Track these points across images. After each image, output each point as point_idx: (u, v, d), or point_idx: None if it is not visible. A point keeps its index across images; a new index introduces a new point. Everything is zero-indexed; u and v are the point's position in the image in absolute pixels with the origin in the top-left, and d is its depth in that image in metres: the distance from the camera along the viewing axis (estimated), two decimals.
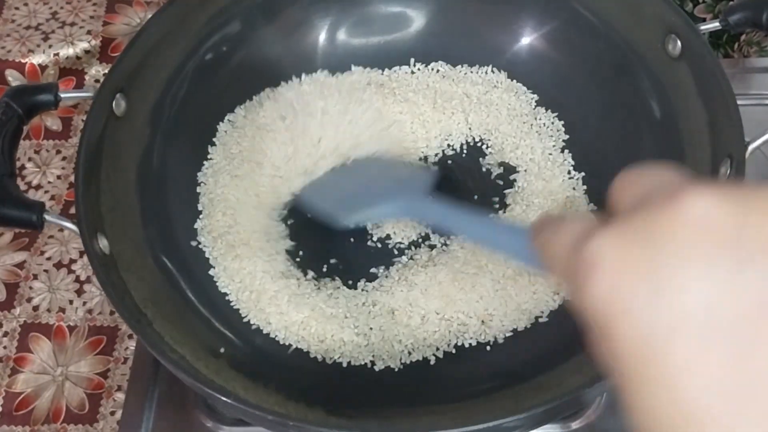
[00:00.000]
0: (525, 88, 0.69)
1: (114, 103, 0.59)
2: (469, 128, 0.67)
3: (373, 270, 0.61)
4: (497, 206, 0.64)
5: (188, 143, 0.65)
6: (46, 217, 0.51)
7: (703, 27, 0.59)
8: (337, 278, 0.61)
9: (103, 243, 0.54)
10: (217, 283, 0.60)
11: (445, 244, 0.61)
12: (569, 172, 0.65)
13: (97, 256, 0.53)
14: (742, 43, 0.79)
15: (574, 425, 0.58)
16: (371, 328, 0.58)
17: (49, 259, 0.71)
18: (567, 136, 0.66)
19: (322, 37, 0.71)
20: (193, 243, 0.62)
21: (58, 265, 0.71)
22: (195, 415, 0.60)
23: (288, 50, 0.70)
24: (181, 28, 0.64)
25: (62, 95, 0.57)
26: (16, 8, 0.83)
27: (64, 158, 0.76)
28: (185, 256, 0.61)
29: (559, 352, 0.56)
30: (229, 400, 0.49)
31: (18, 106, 0.54)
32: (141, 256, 0.58)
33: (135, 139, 0.61)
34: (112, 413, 0.65)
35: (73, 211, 0.73)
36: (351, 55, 0.71)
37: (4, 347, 0.67)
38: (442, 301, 0.58)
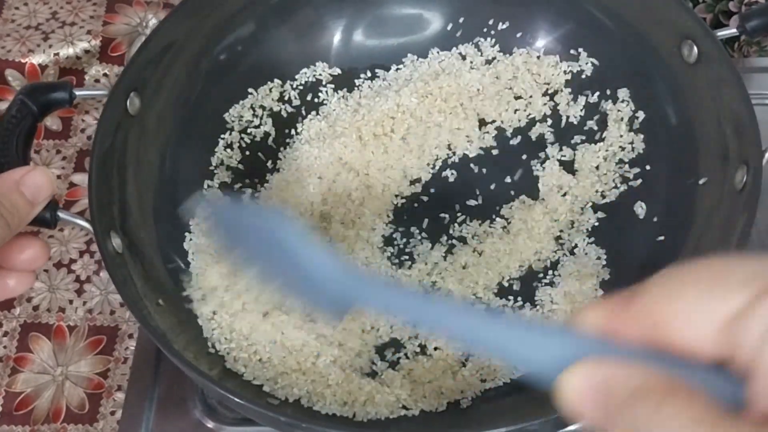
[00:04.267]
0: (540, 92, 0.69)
1: (128, 101, 0.59)
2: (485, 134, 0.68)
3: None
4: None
5: (200, 143, 0.66)
6: (60, 214, 0.51)
7: (719, 33, 0.60)
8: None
9: (116, 242, 0.54)
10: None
11: None
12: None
13: (110, 255, 0.53)
14: (742, 43, 0.79)
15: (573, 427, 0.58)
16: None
17: (49, 258, 0.70)
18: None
19: (337, 38, 0.71)
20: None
21: (58, 265, 0.71)
22: (195, 415, 0.60)
23: (302, 51, 0.70)
24: (195, 28, 0.65)
25: (77, 93, 0.57)
26: (16, 8, 0.83)
27: (64, 158, 0.76)
28: None
29: None
30: (243, 402, 0.49)
31: (33, 103, 0.54)
32: (154, 255, 0.59)
33: (148, 137, 0.61)
34: (112, 413, 0.64)
35: (73, 210, 0.73)
36: (365, 56, 0.71)
37: (4, 347, 0.67)
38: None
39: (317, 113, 0.69)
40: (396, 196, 0.65)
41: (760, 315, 0.22)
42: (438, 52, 0.70)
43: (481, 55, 0.70)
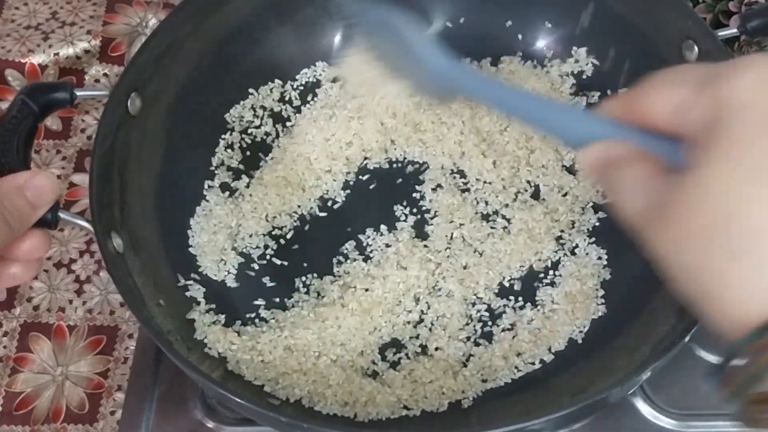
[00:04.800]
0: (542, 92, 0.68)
1: (129, 102, 0.59)
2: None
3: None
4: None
5: (201, 143, 0.66)
6: (61, 215, 0.51)
7: (720, 33, 0.60)
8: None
9: (116, 242, 0.54)
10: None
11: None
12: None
13: (111, 255, 0.53)
14: (742, 43, 0.79)
15: (576, 425, 0.58)
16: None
17: (49, 258, 0.70)
18: None
19: (338, 38, 0.71)
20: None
21: (58, 265, 0.70)
22: (195, 415, 0.60)
23: (303, 51, 0.70)
24: (195, 28, 0.65)
25: (78, 93, 0.57)
26: (16, 8, 0.83)
27: (64, 158, 0.76)
28: (198, 259, 0.62)
29: (572, 354, 0.57)
30: (245, 403, 0.49)
31: (34, 103, 0.54)
32: (155, 256, 0.59)
33: (149, 138, 0.61)
34: (112, 413, 0.64)
35: (74, 210, 0.73)
36: None
37: (4, 347, 0.67)
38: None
39: (315, 110, 0.69)
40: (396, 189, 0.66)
41: (699, 101, 0.32)
42: None
43: (483, 55, 0.70)
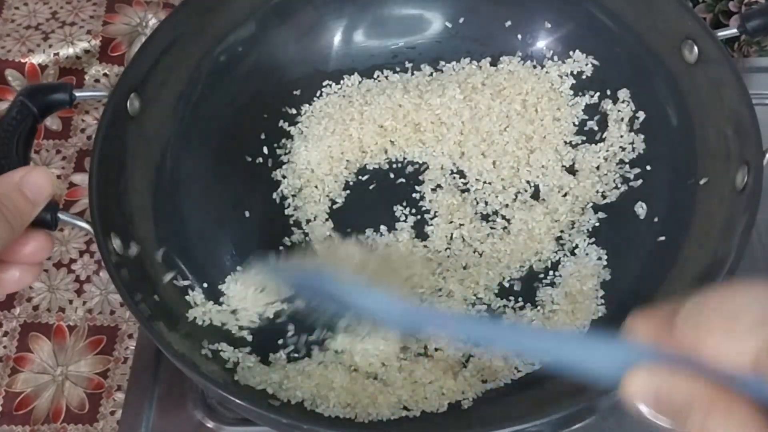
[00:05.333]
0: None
1: (128, 102, 0.59)
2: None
3: None
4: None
5: (201, 144, 0.65)
6: (60, 216, 0.51)
7: (720, 33, 0.60)
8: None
9: (116, 243, 0.54)
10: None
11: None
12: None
13: (111, 256, 0.53)
14: (742, 42, 0.79)
15: (576, 426, 0.58)
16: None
17: (48, 258, 0.70)
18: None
19: (337, 38, 0.71)
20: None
21: (58, 265, 0.70)
22: (195, 415, 0.60)
23: (302, 51, 0.70)
24: (195, 28, 0.64)
25: (77, 94, 0.56)
26: (16, 8, 0.83)
27: (64, 158, 0.76)
28: (197, 260, 0.61)
29: None
30: (245, 404, 0.49)
31: (33, 105, 0.54)
32: (153, 257, 0.58)
33: (148, 139, 0.61)
34: (112, 413, 0.64)
35: (73, 210, 0.73)
36: (366, 57, 0.71)
37: (4, 347, 0.67)
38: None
39: (315, 111, 0.69)
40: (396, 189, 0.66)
41: None
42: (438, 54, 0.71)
43: (482, 55, 0.70)
